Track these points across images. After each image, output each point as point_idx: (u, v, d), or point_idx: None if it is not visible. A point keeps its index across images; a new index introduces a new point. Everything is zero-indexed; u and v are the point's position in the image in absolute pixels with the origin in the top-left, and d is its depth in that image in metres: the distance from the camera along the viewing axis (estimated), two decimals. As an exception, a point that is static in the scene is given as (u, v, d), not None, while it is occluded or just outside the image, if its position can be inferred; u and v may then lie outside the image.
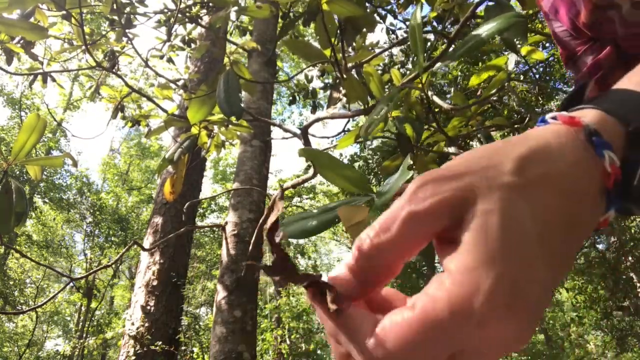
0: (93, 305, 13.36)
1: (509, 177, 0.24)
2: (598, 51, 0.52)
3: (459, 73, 6.48)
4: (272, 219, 0.32)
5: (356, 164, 7.48)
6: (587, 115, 0.27)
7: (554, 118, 0.27)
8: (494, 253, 0.22)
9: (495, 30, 0.71)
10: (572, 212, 0.24)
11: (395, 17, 4.20)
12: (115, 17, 2.94)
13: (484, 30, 0.74)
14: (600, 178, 0.25)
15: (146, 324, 4.34)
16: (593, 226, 0.26)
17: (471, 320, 0.21)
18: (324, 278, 0.28)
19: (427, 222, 0.24)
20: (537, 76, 5.87)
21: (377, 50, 1.94)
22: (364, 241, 0.26)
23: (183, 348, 5.95)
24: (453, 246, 0.24)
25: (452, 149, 1.70)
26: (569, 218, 0.24)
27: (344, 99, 1.82)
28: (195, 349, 7.35)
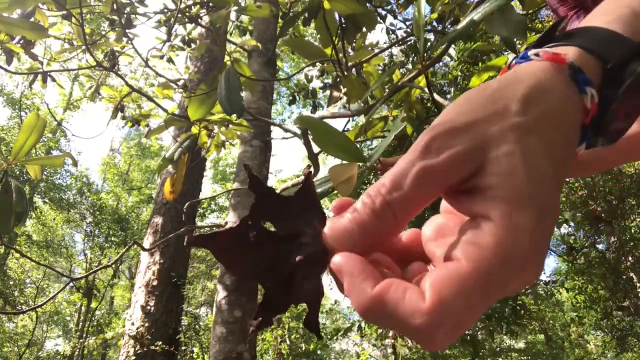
0: (93, 305, 13.36)
1: (518, 118, 0.24)
2: (584, 16, 0.54)
3: (459, 73, 6.48)
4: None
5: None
6: (569, 52, 0.28)
7: (537, 55, 0.28)
8: (527, 192, 0.23)
9: (488, 11, 0.71)
10: (567, 146, 0.26)
11: (395, 17, 4.20)
12: (115, 17, 2.94)
13: (476, 12, 0.75)
14: (580, 113, 0.27)
15: (146, 324, 4.34)
16: (573, 160, 0.27)
17: (519, 263, 0.22)
18: (327, 236, 0.27)
19: (442, 176, 0.24)
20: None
21: (377, 50, 1.94)
22: (375, 198, 0.25)
23: (183, 348, 5.94)
24: (474, 195, 0.24)
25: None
26: (566, 150, 0.25)
27: (344, 98, 1.82)
28: (195, 349, 7.35)
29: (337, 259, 0.26)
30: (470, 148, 0.24)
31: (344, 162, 0.63)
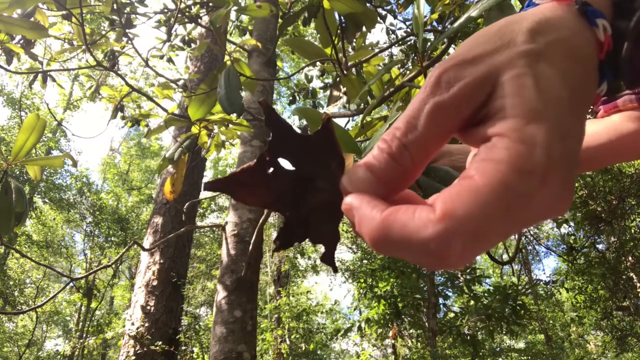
0: (93, 305, 13.36)
1: (525, 46, 0.24)
2: None
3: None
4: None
5: (356, 164, 7.46)
6: None
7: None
8: (539, 108, 0.22)
9: (486, 6, 0.71)
10: (586, 77, 0.24)
11: (395, 17, 4.20)
12: (115, 17, 2.94)
13: (474, 9, 0.75)
14: (595, 48, 0.26)
15: (146, 324, 4.34)
16: (594, 96, 0.26)
17: (537, 175, 0.21)
18: (344, 182, 0.27)
19: (455, 110, 0.24)
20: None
21: (377, 50, 1.94)
22: (392, 142, 0.25)
23: (183, 348, 5.94)
24: (486, 122, 0.23)
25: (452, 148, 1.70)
26: (585, 82, 0.24)
27: (344, 98, 1.82)
28: (195, 349, 7.35)
29: (348, 199, 0.26)
30: (479, 77, 0.24)
31: None
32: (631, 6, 0.26)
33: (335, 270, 0.32)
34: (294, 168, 0.29)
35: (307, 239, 0.30)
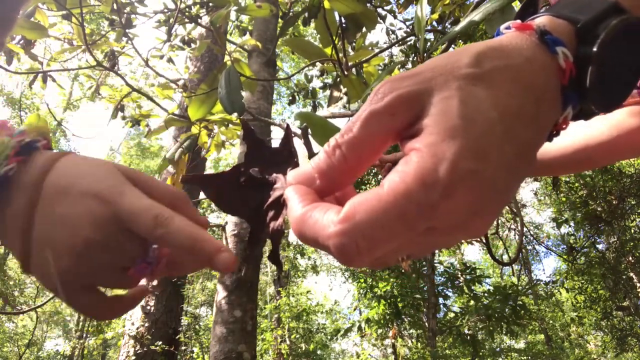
0: (93, 305, 13.33)
1: (466, 69, 0.25)
2: None
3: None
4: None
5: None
6: (538, 20, 0.28)
7: (508, 28, 0.29)
8: (456, 127, 0.23)
9: (490, 10, 0.71)
10: (531, 103, 0.25)
11: (395, 17, 4.20)
12: (115, 17, 2.94)
13: (477, 12, 0.75)
14: (556, 75, 0.26)
15: (146, 324, 4.34)
16: (552, 122, 0.27)
17: (438, 188, 0.22)
18: (289, 176, 0.29)
19: (386, 119, 0.25)
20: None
21: (377, 50, 1.94)
22: (330, 142, 0.27)
23: (183, 348, 5.95)
24: (413, 137, 0.25)
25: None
26: (528, 108, 0.25)
27: (344, 98, 1.82)
28: (195, 349, 7.35)
29: (287, 190, 0.29)
30: (412, 92, 0.25)
31: None
32: (594, 32, 0.27)
33: (281, 268, 0.34)
34: (261, 176, 0.33)
35: (266, 240, 0.33)
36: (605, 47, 0.26)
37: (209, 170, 15.83)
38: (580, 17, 0.28)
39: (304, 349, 9.88)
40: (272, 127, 3.39)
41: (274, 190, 0.32)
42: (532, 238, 11.29)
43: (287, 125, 0.34)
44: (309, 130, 0.66)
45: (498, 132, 0.23)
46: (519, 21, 0.28)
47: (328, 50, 1.55)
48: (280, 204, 0.31)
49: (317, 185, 0.28)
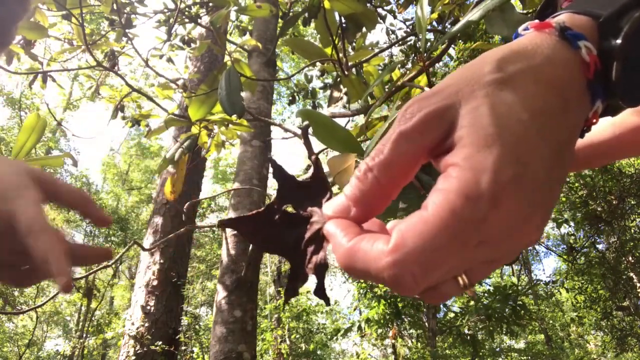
0: (93, 305, 13.35)
1: (490, 76, 0.25)
2: None
3: (459, 73, 6.47)
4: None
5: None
6: (557, 18, 0.28)
7: (526, 29, 0.29)
8: (490, 135, 0.23)
9: (490, 7, 0.71)
10: (558, 101, 0.25)
11: (395, 17, 4.20)
12: (115, 17, 2.94)
13: (477, 9, 0.74)
14: (581, 70, 0.26)
15: (146, 324, 4.34)
16: (582, 118, 0.27)
17: (484, 200, 0.22)
18: (325, 209, 0.29)
19: (416, 138, 0.25)
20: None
21: (377, 50, 1.94)
22: (360, 166, 0.27)
23: (183, 348, 5.94)
24: (447, 153, 0.25)
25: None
26: (556, 106, 0.25)
27: (344, 98, 1.82)
28: (195, 349, 7.35)
29: (327, 225, 0.28)
30: (440, 108, 0.25)
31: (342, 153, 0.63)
32: (617, 25, 0.27)
33: (328, 303, 0.33)
34: (295, 211, 0.33)
35: (308, 276, 0.32)
36: (630, 39, 0.26)
37: (209, 170, 15.83)
38: (602, 11, 0.27)
39: (304, 349, 9.88)
40: (272, 127, 3.39)
41: (311, 225, 0.32)
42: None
43: (316, 156, 0.34)
44: (311, 129, 0.66)
45: (532, 133, 0.23)
46: (537, 21, 0.28)
47: (328, 50, 1.55)
48: (320, 238, 0.31)
49: (353, 214, 0.28)
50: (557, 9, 0.32)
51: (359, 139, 1.60)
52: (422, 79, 1.44)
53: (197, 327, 7.96)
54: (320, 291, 0.32)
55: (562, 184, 0.25)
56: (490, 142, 0.22)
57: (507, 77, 0.25)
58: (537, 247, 12.43)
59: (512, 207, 0.22)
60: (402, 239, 0.23)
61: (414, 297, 0.26)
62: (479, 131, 0.23)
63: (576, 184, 7.98)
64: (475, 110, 0.24)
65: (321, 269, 0.31)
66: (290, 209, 0.34)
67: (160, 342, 4.25)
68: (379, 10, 3.60)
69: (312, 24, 1.71)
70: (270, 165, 0.34)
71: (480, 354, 7.28)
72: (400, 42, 3.78)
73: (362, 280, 7.60)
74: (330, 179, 0.65)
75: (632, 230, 8.04)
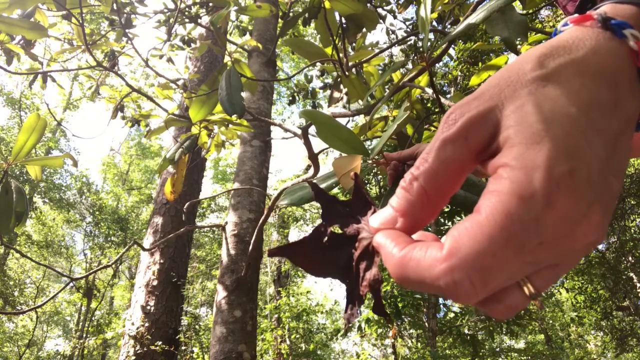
0: (93, 305, 13.36)
1: (532, 73, 0.24)
2: None
3: (459, 73, 6.48)
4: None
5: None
6: (599, 9, 0.27)
7: (565, 25, 0.28)
8: (538, 132, 0.22)
9: (495, 7, 0.71)
10: (606, 91, 0.24)
11: (395, 17, 4.20)
12: (115, 17, 2.94)
13: (481, 10, 0.74)
14: (629, 58, 0.25)
15: (146, 324, 4.34)
16: (637, 108, 0.25)
17: (538, 199, 0.21)
18: (372, 222, 0.29)
19: (460, 143, 0.25)
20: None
21: (377, 51, 1.94)
22: (406, 176, 0.26)
23: (183, 348, 5.94)
24: (496, 155, 0.24)
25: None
26: (605, 96, 0.24)
27: (345, 99, 1.82)
28: (195, 349, 7.35)
29: (376, 237, 0.27)
30: (483, 110, 0.24)
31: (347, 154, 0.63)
32: None
33: (389, 318, 0.32)
34: (342, 231, 0.33)
35: (364, 294, 0.31)
36: None
37: (209, 170, 15.83)
38: None
39: (304, 349, 9.87)
40: (272, 127, 3.39)
41: (359, 241, 0.31)
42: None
43: (356, 175, 0.33)
44: (315, 129, 0.66)
45: (582, 126, 0.22)
46: (577, 15, 0.27)
47: (328, 50, 1.55)
48: (370, 253, 0.31)
49: (400, 225, 0.27)
50: (597, 3, 0.31)
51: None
52: (423, 79, 1.44)
53: (197, 327, 7.96)
54: (379, 308, 0.31)
55: (620, 178, 0.24)
56: (539, 139, 0.22)
57: (549, 72, 0.24)
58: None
59: (568, 204, 0.21)
60: (456, 244, 0.22)
61: (480, 311, 0.25)
62: (526, 129, 0.22)
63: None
64: (520, 109, 0.23)
65: (376, 285, 0.30)
66: (337, 229, 0.33)
67: (160, 342, 4.25)
68: (379, 10, 3.60)
69: (312, 24, 1.71)
70: (311, 189, 0.34)
71: (480, 354, 7.28)
72: (400, 42, 3.78)
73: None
74: (335, 179, 0.65)
75: (632, 230, 8.04)
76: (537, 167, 0.21)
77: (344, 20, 1.53)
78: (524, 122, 0.23)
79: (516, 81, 0.24)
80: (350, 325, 0.32)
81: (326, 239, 0.33)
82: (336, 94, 1.85)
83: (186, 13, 3.13)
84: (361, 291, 0.31)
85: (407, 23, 4.78)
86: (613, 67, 0.25)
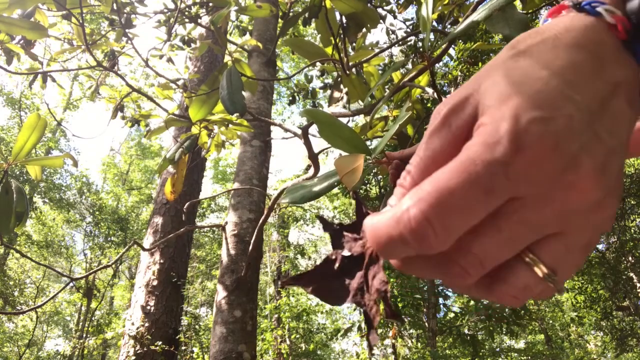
0: (93, 305, 13.36)
1: (504, 56, 0.25)
2: None
3: (459, 73, 6.48)
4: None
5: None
6: None
7: (546, 21, 0.28)
8: (507, 91, 0.22)
9: (496, 6, 0.71)
10: (585, 59, 0.24)
11: (395, 17, 4.20)
12: (115, 17, 2.94)
13: (483, 9, 0.74)
14: (610, 32, 0.25)
15: (146, 324, 4.34)
16: (627, 77, 0.25)
17: (503, 142, 0.21)
18: (365, 221, 0.29)
19: (445, 131, 0.25)
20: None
21: (377, 50, 1.94)
22: (402, 174, 0.27)
23: (183, 348, 5.94)
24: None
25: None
26: (584, 63, 0.24)
27: (345, 98, 1.82)
28: (195, 349, 7.35)
29: (363, 224, 0.28)
30: (462, 97, 0.25)
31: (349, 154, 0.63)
32: None
33: (402, 321, 0.32)
34: (350, 253, 0.33)
35: (379, 305, 0.32)
36: None
37: (209, 170, 15.83)
38: None
39: (304, 349, 9.88)
40: (272, 127, 3.39)
41: (365, 253, 0.32)
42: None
43: (356, 193, 0.34)
44: (316, 128, 0.66)
45: (555, 84, 0.22)
46: (552, 7, 0.28)
47: (328, 50, 1.55)
48: (375, 259, 0.31)
49: None
50: None
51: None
52: (423, 79, 1.44)
53: (197, 327, 7.95)
54: (390, 314, 0.31)
55: (616, 136, 0.23)
56: (508, 97, 0.22)
57: (521, 50, 0.25)
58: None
59: (542, 151, 0.21)
60: (417, 186, 0.23)
61: (484, 307, 0.25)
62: (495, 93, 0.23)
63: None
64: (493, 83, 0.24)
65: (383, 288, 0.31)
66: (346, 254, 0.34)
67: (160, 342, 4.25)
68: (379, 10, 3.60)
69: (313, 24, 1.71)
70: (320, 221, 0.35)
71: (480, 354, 7.28)
72: (400, 42, 3.78)
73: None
74: (335, 178, 0.65)
75: (632, 230, 8.04)
76: (504, 118, 0.22)
77: (344, 20, 1.53)
78: (495, 89, 0.23)
79: (492, 67, 0.25)
80: (375, 347, 0.32)
81: (338, 265, 0.33)
82: (336, 94, 1.85)
83: (186, 13, 3.13)
84: (371, 300, 0.31)
85: (407, 23, 4.78)
86: (591, 39, 0.25)
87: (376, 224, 0.24)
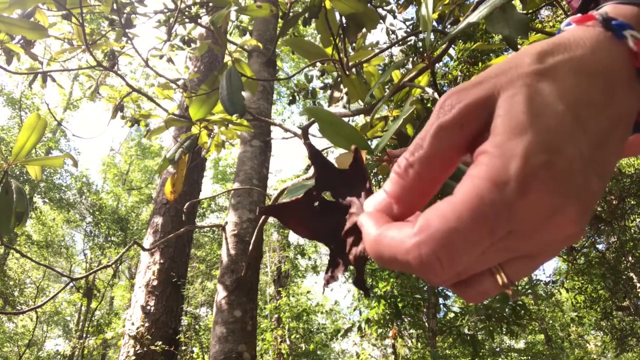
0: (93, 305, 13.36)
1: (529, 67, 0.25)
2: None
3: (459, 73, 6.48)
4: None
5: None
6: (600, 10, 0.28)
7: (568, 25, 0.28)
8: (523, 123, 0.23)
9: (498, 3, 0.71)
10: (599, 91, 0.24)
11: (395, 17, 4.20)
12: (115, 17, 2.94)
13: (484, 7, 0.74)
14: (629, 59, 0.25)
15: (146, 324, 4.34)
16: (632, 109, 0.25)
17: (512, 185, 0.21)
18: (366, 207, 0.29)
19: (456, 131, 0.25)
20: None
21: (377, 50, 1.94)
22: (400, 162, 0.27)
23: (183, 348, 5.95)
24: (483, 142, 0.24)
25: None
26: (597, 96, 0.24)
27: (345, 98, 1.82)
28: (195, 349, 7.35)
29: (361, 216, 0.28)
30: (479, 98, 0.25)
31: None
32: None
33: (368, 294, 0.33)
34: (334, 199, 0.33)
35: (349, 265, 0.32)
36: None
37: (209, 170, 15.83)
38: None
39: (304, 349, 9.88)
40: (272, 127, 3.39)
41: (350, 215, 0.32)
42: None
43: (357, 148, 0.33)
44: (317, 126, 0.66)
45: (568, 123, 0.23)
46: (579, 15, 0.28)
47: (328, 50, 1.55)
48: (358, 230, 0.31)
49: (395, 212, 0.27)
50: (600, 3, 0.31)
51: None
52: (423, 79, 1.44)
53: (197, 327, 7.96)
54: (359, 282, 0.32)
55: (604, 178, 0.24)
56: (522, 130, 0.22)
57: (546, 68, 0.24)
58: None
59: (542, 196, 0.22)
60: (427, 222, 0.23)
61: (455, 294, 0.25)
62: (512, 119, 0.23)
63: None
64: (511, 99, 0.24)
65: (361, 261, 0.31)
66: (328, 196, 0.34)
67: (160, 342, 4.25)
68: (379, 10, 3.60)
69: (313, 24, 1.71)
70: (307, 149, 0.34)
71: (480, 354, 7.28)
72: (400, 42, 3.78)
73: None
74: None
75: (632, 230, 8.04)
76: (515, 156, 0.22)
77: (344, 20, 1.53)
78: (512, 112, 0.23)
79: (514, 72, 0.25)
80: (327, 286, 0.33)
81: (317, 203, 0.33)
82: (336, 94, 1.85)
83: (186, 13, 3.13)
84: (347, 260, 0.32)
85: (407, 23, 4.78)
86: (610, 67, 0.25)
87: (382, 239, 0.25)
